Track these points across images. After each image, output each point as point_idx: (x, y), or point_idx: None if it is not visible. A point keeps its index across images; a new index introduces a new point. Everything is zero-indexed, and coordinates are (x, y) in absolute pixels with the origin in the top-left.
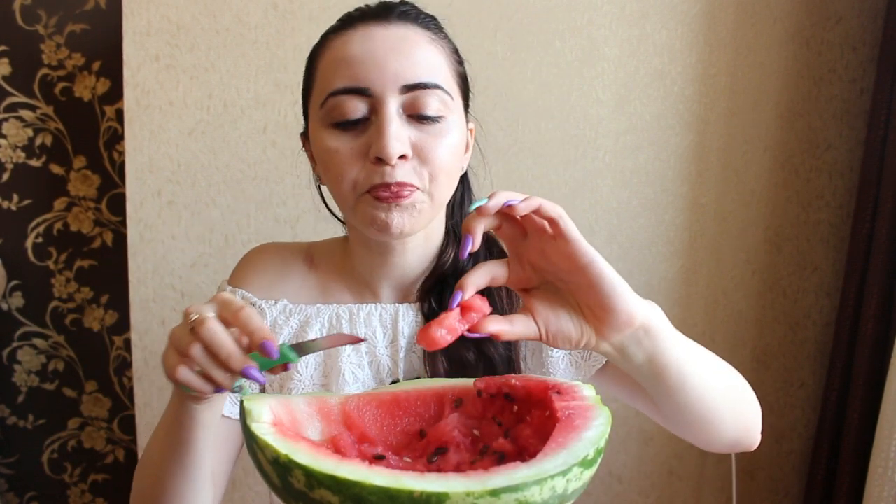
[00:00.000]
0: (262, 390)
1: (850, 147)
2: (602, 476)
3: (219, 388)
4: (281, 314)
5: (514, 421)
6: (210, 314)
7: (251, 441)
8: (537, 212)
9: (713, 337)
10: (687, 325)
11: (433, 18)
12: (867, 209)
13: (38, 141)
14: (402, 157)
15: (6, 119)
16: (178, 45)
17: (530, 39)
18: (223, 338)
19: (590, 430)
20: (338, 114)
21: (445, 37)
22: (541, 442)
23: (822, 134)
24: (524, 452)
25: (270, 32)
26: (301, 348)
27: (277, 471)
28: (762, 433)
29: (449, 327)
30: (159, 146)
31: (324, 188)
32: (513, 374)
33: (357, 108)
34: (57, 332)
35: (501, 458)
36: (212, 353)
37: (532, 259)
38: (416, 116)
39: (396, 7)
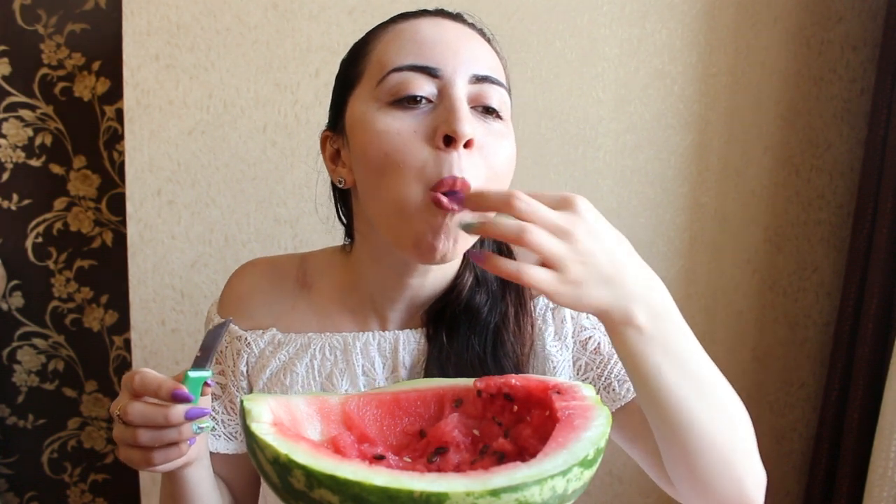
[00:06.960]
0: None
1: (851, 147)
2: (602, 476)
3: (191, 440)
4: (269, 345)
5: (514, 421)
6: (125, 400)
7: (251, 441)
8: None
9: (713, 337)
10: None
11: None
12: (867, 209)
13: (38, 141)
14: (469, 143)
15: (6, 119)
16: (178, 45)
17: (530, 39)
18: (149, 409)
19: (590, 430)
20: (400, 90)
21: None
22: (541, 442)
23: (823, 134)
24: (524, 452)
25: (270, 32)
26: (200, 361)
27: (277, 471)
28: (762, 433)
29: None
30: (159, 146)
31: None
32: (513, 374)
33: (423, 86)
34: (57, 332)
35: (501, 458)
36: (153, 426)
37: None
38: (482, 109)
39: (461, 15)
